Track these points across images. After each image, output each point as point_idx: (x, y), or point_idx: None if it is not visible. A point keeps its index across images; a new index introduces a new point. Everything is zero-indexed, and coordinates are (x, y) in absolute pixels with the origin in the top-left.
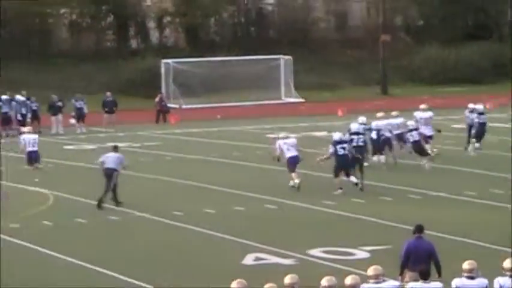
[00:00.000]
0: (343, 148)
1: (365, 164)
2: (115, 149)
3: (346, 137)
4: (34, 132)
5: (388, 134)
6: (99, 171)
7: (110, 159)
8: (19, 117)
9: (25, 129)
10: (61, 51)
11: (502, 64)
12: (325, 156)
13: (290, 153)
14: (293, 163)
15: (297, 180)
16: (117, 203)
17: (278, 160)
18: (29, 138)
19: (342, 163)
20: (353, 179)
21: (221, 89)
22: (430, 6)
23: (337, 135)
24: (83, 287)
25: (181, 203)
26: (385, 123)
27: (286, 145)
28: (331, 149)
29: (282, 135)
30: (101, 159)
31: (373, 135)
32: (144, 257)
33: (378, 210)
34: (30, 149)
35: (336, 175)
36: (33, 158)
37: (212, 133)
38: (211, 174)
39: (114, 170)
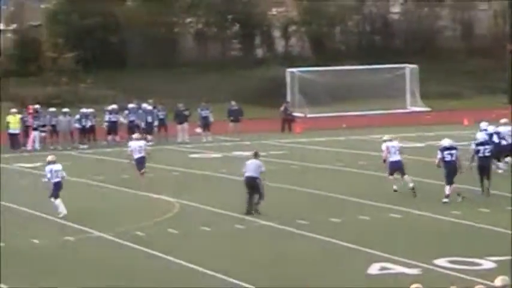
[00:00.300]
0: (451, 155)
1: (500, 170)
2: (255, 155)
3: (474, 145)
4: (143, 139)
5: (510, 141)
6: (225, 180)
7: (250, 166)
8: (144, 125)
9: (134, 135)
10: (187, 61)
11: None
12: (437, 162)
13: (395, 157)
14: (396, 167)
15: (411, 184)
16: (249, 211)
17: (384, 161)
18: (135, 145)
19: (448, 169)
20: (447, 190)
21: (346, 98)
22: None
23: (446, 141)
24: None
25: (306, 212)
26: (509, 129)
27: (394, 148)
28: (439, 155)
29: (386, 137)
30: (244, 169)
31: (495, 139)
32: (268, 265)
33: (504, 220)
34: (137, 155)
35: (449, 182)
36: (141, 163)
37: (337, 142)
38: (336, 183)
39: (256, 178)
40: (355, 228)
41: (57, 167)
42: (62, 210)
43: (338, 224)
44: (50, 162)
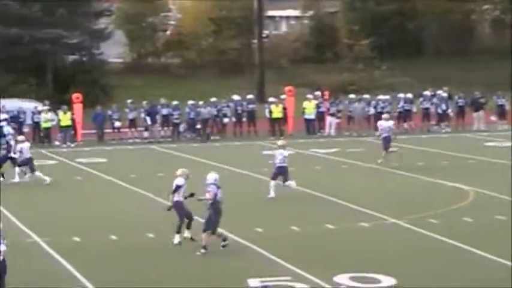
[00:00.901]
0: None
1: None
2: None
3: None
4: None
5: None
6: None
7: None
8: (441, 112)
9: (384, 116)
10: (484, 48)
11: None
12: None
13: None
14: None
15: None
16: None
17: None
18: (385, 125)
19: None
20: None
21: None
22: None
23: None
24: None
25: None
26: None
27: None
28: None
29: None
30: None
31: None
32: None
33: None
34: (385, 134)
35: None
36: (388, 142)
37: None
38: None
39: None
40: None
41: (286, 153)
42: (272, 194)
43: None
44: (280, 147)
